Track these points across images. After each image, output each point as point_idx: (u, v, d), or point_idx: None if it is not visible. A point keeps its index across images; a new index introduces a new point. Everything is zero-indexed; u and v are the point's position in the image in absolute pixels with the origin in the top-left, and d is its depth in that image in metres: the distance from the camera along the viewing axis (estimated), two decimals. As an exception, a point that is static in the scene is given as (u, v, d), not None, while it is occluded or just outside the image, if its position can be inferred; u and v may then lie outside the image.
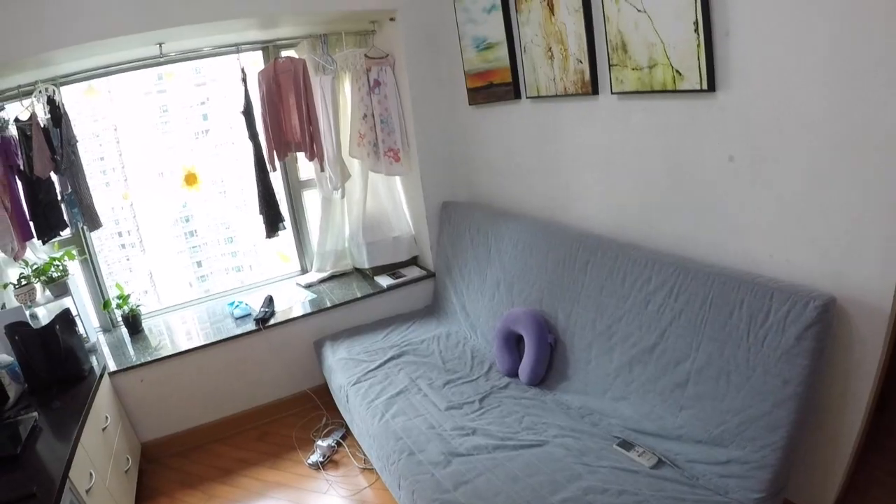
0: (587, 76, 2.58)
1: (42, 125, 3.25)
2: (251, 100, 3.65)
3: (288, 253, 4.50)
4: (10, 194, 3.25)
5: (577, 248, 2.70)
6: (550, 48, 2.76)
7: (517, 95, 3.15)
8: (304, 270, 4.38)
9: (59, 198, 3.36)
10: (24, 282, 3.40)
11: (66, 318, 3.06)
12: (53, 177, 3.32)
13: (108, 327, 3.88)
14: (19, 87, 3.26)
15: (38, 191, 3.28)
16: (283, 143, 3.74)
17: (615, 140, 2.60)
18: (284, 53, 3.85)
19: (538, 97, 2.98)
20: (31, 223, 3.33)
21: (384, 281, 3.91)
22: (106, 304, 3.79)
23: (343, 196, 3.93)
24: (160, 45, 3.34)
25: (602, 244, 2.60)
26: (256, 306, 3.74)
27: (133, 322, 3.69)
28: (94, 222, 3.46)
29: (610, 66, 2.44)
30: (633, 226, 2.61)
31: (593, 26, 2.50)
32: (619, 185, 2.65)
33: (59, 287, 3.46)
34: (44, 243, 3.42)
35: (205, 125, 5.59)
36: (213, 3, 3.10)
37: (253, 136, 3.67)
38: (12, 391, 2.83)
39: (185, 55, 3.69)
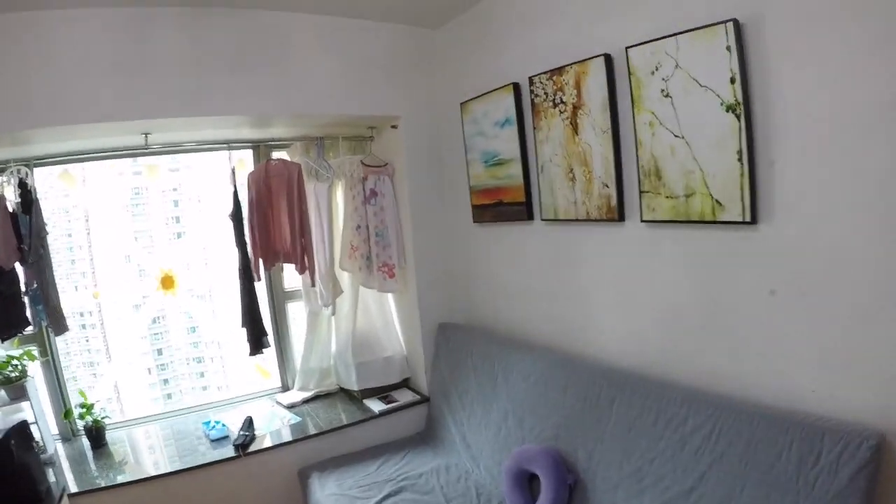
0: (614, 202, 2.54)
1: (11, 210, 3.06)
2: (240, 203, 3.55)
3: (267, 367, 4.30)
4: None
5: (601, 385, 2.57)
6: (572, 169, 2.73)
7: (530, 216, 3.10)
8: (284, 387, 4.15)
9: (24, 291, 3.14)
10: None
11: (22, 433, 2.76)
12: (18, 268, 3.11)
13: (68, 436, 3.60)
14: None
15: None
16: (272, 253, 3.62)
17: (643, 270, 2.54)
18: (276, 155, 3.82)
19: (555, 220, 2.92)
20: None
21: (375, 405, 3.70)
22: (67, 414, 3.55)
23: (333, 312, 3.78)
24: (146, 136, 3.27)
25: (630, 381, 2.47)
26: (234, 427, 3.51)
27: (96, 435, 3.44)
28: (59, 326, 3.24)
29: (640, 192, 2.40)
30: (660, 360, 2.50)
31: (622, 149, 2.49)
32: (646, 317, 2.56)
33: (15, 389, 3.20)
34: (0, 342, 3.16)
35: (175, 211, 5.47)
36: (205, 99, 3.06)
37: (240, 243, 3.55)
38: (-52, 512, 2.55)
39: (171, 148, 3.62)
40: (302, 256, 3.54)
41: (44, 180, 3.44)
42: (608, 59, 2.48)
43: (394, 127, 3.69)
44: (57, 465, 3.20)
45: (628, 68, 2.35)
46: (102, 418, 3.46)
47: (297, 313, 4.13)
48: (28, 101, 2.74)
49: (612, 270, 2.70)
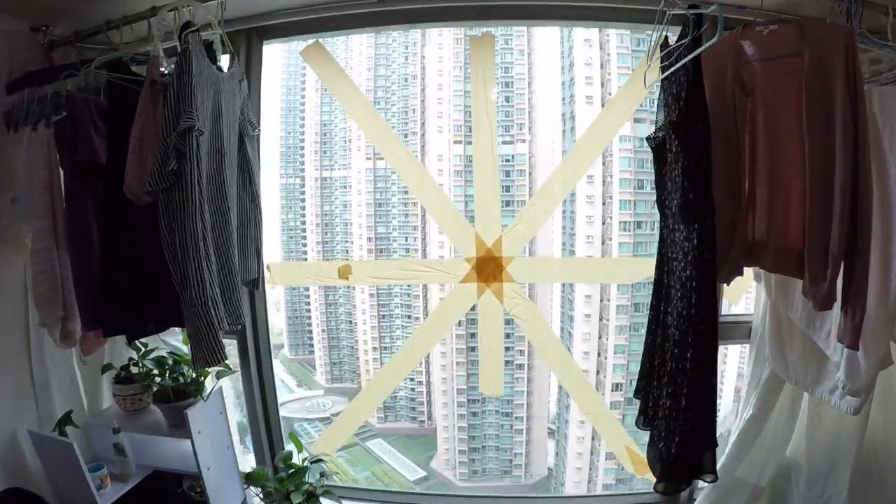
0: None
1: (165, 84, 1.72)
2: (701, 104, 1.61)
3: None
4: (66, 224, 1.88)
5: None
6: None
7: None
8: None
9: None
10: (130, 372, 2.20)
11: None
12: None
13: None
14: (153, 7, 1.82)
15: (124, 226, 1.80)
16: (738, 241, 1.76)
17: None
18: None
19: None
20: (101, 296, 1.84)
21: None
22: (254, 476, 2.34)
23: (857, 411, 1.76)
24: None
25: None
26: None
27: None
28: (199, 346, 1.70)
29: None
30: None
31: None
32: None
33: (173, 413, 2.13)
34: (128, 343, 2.03)
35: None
36: None
37: (696, 189, 1.62)
38: None
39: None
40: (837, 262, 1.51)
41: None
42: None
43: None
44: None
45: None
46: (323, 487, 2.20)
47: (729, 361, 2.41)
48: None
49: None
